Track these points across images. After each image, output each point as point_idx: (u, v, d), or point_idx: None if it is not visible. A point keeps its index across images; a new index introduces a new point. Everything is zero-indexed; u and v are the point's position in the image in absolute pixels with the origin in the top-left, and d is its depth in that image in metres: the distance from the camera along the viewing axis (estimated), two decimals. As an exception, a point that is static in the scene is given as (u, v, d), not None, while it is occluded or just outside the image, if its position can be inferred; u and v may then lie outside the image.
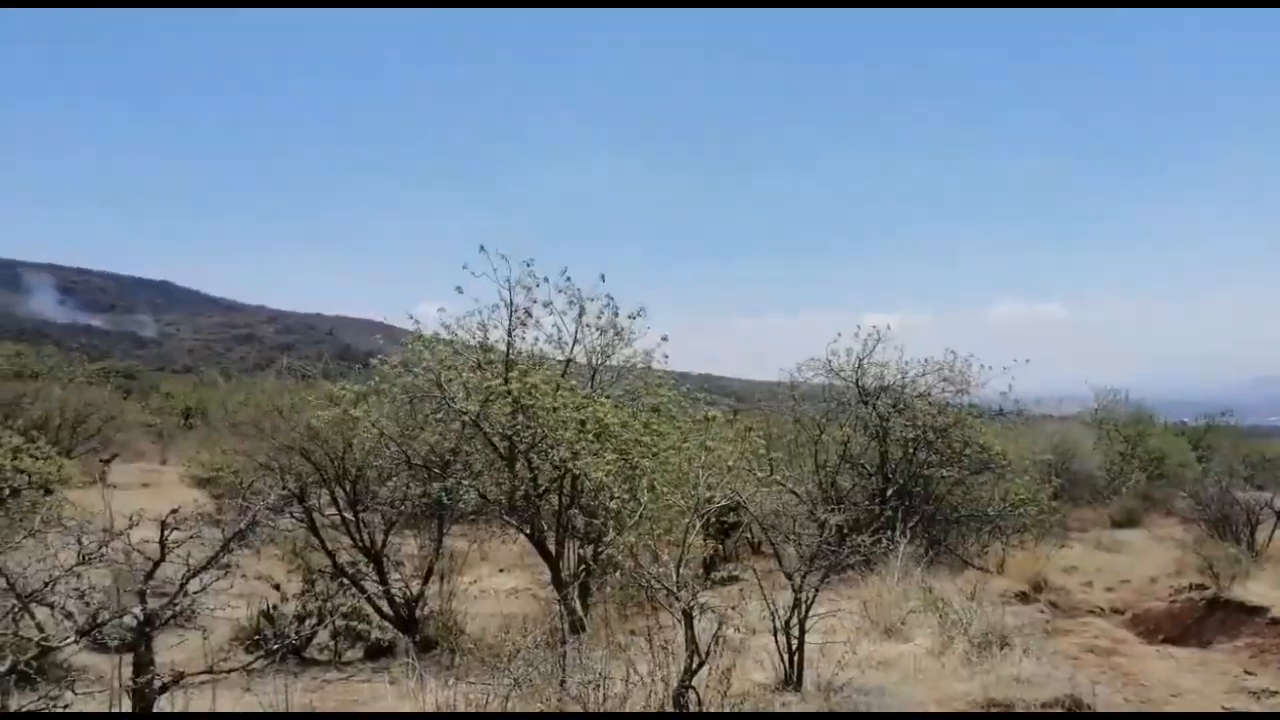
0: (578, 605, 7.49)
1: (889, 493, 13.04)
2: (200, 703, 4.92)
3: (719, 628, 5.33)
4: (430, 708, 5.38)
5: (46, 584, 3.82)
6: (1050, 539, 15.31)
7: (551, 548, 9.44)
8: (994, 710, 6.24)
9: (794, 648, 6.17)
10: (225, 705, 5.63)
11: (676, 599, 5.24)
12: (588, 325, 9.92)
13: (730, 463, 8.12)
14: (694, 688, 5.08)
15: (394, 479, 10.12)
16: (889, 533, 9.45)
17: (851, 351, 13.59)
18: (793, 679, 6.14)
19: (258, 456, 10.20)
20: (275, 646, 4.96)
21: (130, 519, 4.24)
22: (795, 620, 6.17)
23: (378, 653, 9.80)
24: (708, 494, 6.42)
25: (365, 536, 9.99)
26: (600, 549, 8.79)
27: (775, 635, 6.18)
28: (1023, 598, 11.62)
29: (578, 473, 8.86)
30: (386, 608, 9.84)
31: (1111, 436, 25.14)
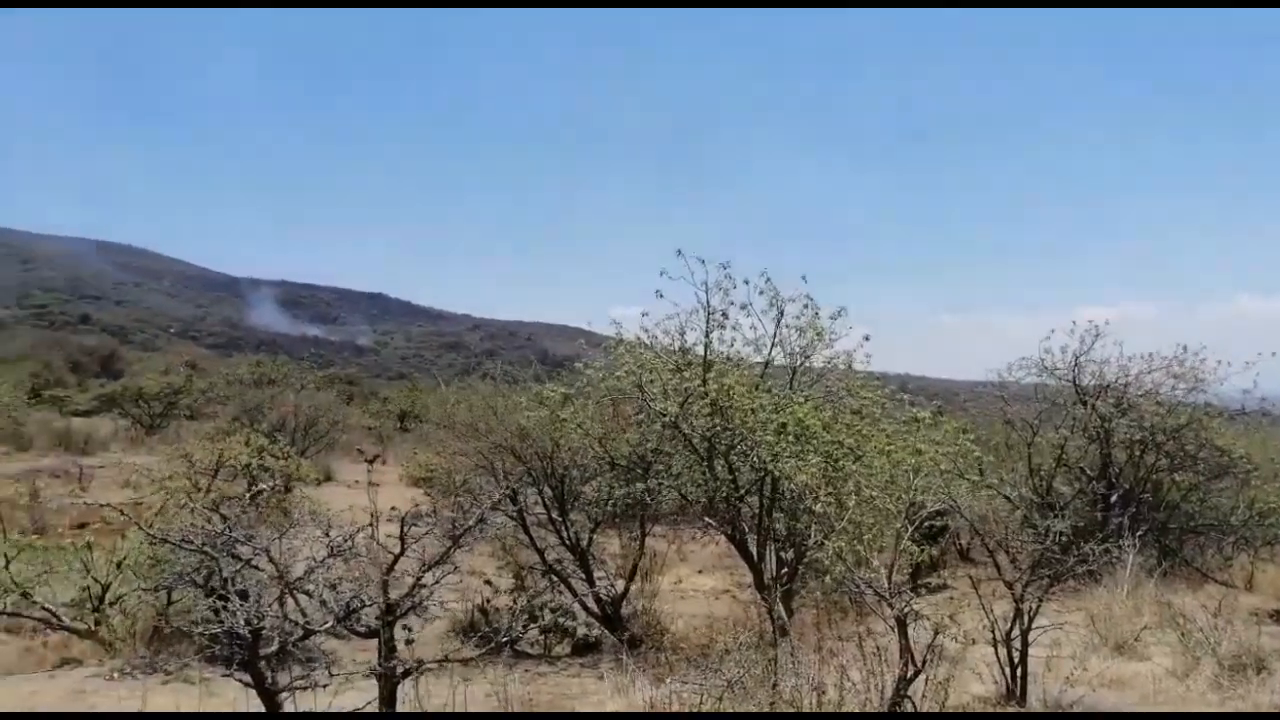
0: (781, 609, 7.41)
1: (1112, 499, 12.15)
2: (437, 690, 5.22)
3: (935, 636, 5.13)
4: (641, 705, 5.47)
5: (306, 573, 4.18)
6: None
7: (753, 550, 9.39)
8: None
9: (1016, 660, 5.85)
10: (442, 693, 5.94)
11: (890, 605, 5.09)
12: (787, 326, 9.79)
13: (942, 466, 7.79)
14: (910, 697, 4.91)
15: (598, 479, 10.42)
16: (1116, 541, 8.80)
17: (1067, 349, 12.76)
18: (1015, 693, 5.82)
19: (473, 456, 10.73)
20: (504, 639, 5.18)
21: (373, 516, 4.58)
22: (1017, 631, 5.85)
23: (585, 649, 10.10)
24: (919, 498, 6.19)
25: (571, 535, 10.31)
26: (804, 552, 8.67)
27: (995, 646, 5.88)
28: (1277, 617, 10.50)
29: (778, 475, 8.78)
30: (593, 605, 10.10)
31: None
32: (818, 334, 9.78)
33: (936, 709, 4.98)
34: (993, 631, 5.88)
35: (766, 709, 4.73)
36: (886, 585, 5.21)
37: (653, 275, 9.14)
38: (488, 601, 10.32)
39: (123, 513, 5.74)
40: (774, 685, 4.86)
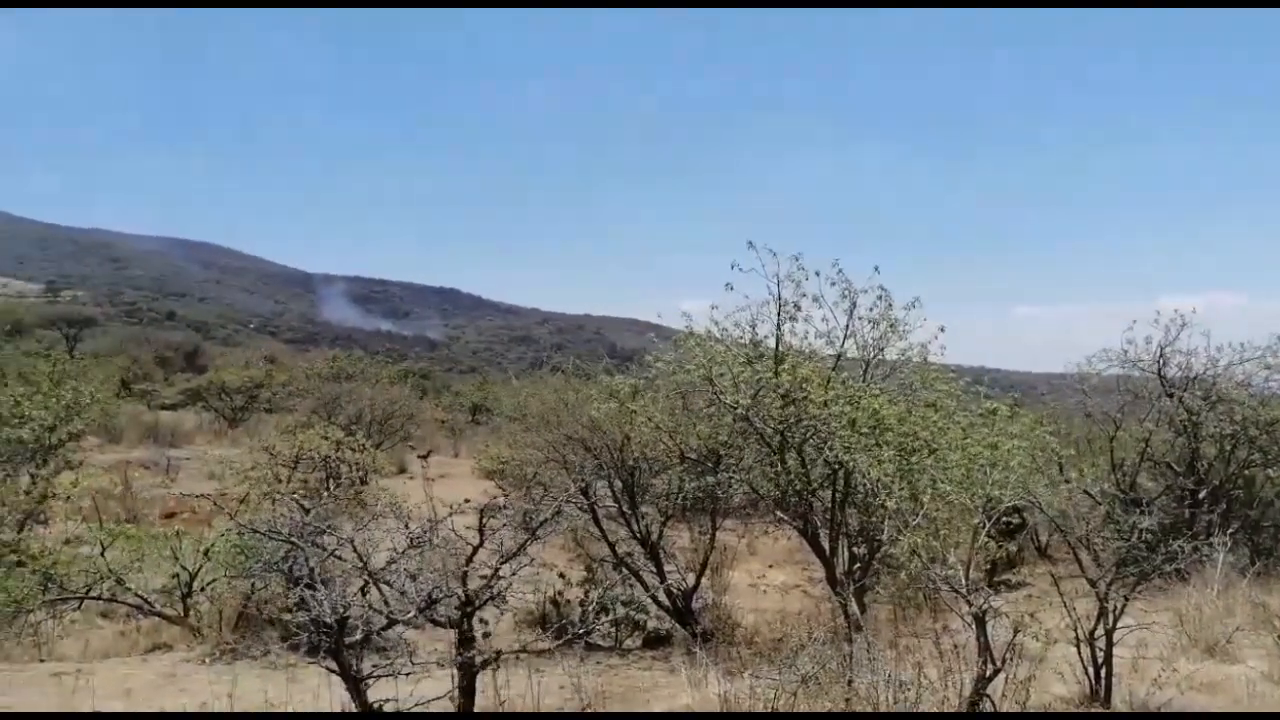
0: (854, 604, 7.33)
1: (1201, 495, 11.72)
2: (512, 680, 5.29)
3: (1014, 635, 5.02)
4: (715, 699, 5.47)
5: (387, 564, 4.28)
6: None
7: (825, 545, 9.31)
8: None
9: (1100, 661, 5.69)
10: (516, 684, 6.01)
11: (968, 602, 4.99)
12: (859, 318, 9.66)
13: (1020, 460, 7.61)
14: (989, 696, 4.82)
15: (668, 472, 10.43)
16: (1205, 539, 8.50)
17: (1151, 340, 12.34)
18: (1099, 694, 5.67)
19: (544, 449, 10.84)
20: (581, 631, 5.24)
21: (451, 508, 4.66)
22: (1101, 631, 5.69)
23: (656, 642, 10.13)
24: (997, 493, 6.06)
25: (642, 528, 10.35)
26: (877, 547, 8.56)
27: (1078, 646, 5.73)
28: (1378, 620, 10.04)
29: (851, 469, 8.68)
30: (664, 599, 10.12)
31: None
32: (891, 326, 9.64)
33: (1017, 709, 4.88)
34: (1075, 630, 5.73)
35: (842, 706, 4.69)
36: (964, 582, 5.11)
37: (722, 268, 9.11)
38: (559, 594, 10.42)
39: (216, 504, 5.93)
40: (849, 682, 4.81)
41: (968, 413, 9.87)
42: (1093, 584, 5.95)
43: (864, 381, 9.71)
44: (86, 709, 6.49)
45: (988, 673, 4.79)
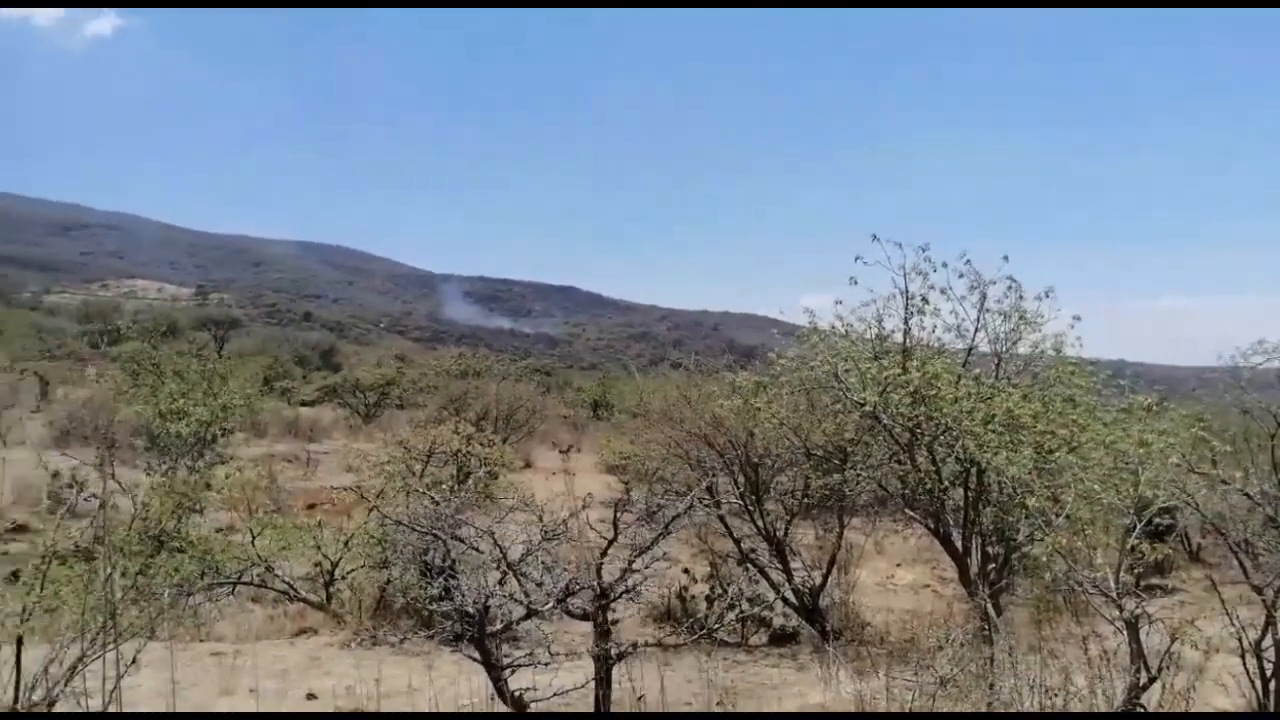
0: (989, 606, 7.09)
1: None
2: (648, 672, 5.33)
3: (1171, 642, 4.75)
4: (847, 698, 5.38)
5: (523, 555, 4.39)
6: None
7: (958, 544, 9.03)
8: None
9: (1269, 673, 5.33)
10: (649, 678, 6.05)
11: (1119, 607, 4.75)
12: (989, 311, 9.34)
13: (1174, 458, 7.19)
14: (1143, 705, 4.58)
15: (793, 469, 10.32)
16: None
17: (1316, 330, 11.46)
18: (1267, 708, 5.31)
19: (668, 445, 10.89)
20: (716, 626, 5.24)
21: (583, 500, 4.74)
22: (1269, 641, 5.33)
23: (782, 639, 10.05)
24: (1150, 493, 5.74)
25: (767, 524, 10.27)
26: (1014, 547, 8.26)
27: (1243, 657, 5.38)
28: None
29: (985, 466, 8.40)
30: (790, 596, 10.03)
31: None
32: (1023, 317, 9.29)
33: (1174, 720, 4.62)
34: (1239, 640, 5.38)
35: (983, 709, 4.54)
36: (1113, 585, 4.87)
37: (845, 262, 8.96)
38: (684, 589, 10.45)
39: (362, 495, 6.20)
40: (991, 685, 4.65)
41: (1109, 408, 9.42)
42: (1258, 590, 5.58)
43: (996, 376, 9.38)
44: (246, 686, 6.88)
45: (1142, 681, 4.55)
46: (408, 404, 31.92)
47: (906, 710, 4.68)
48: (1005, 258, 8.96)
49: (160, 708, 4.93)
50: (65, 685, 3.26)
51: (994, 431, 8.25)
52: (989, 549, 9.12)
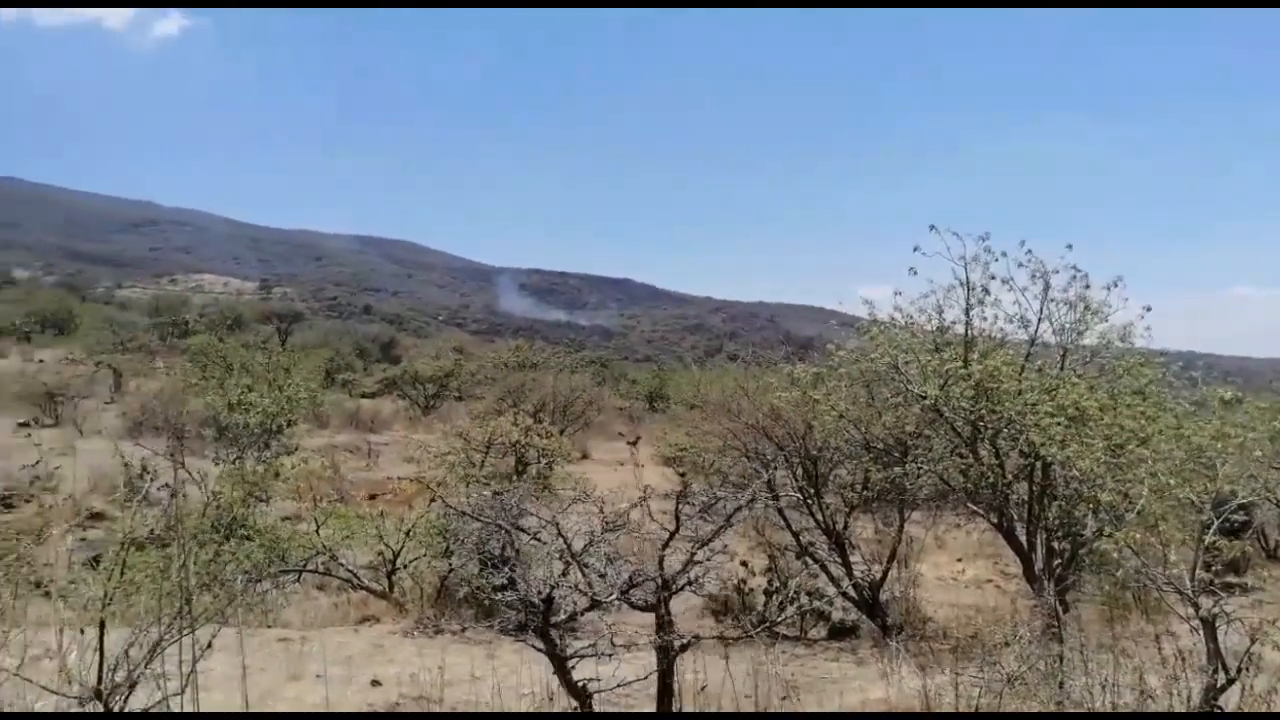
0: (1055, 602, 6.94)
1: None
2: (707, 664, 5.33)
3: (1251, 643, 4.59)
4: (910, 693, 5.31)
5: (585, 546, 4.41)
6: None
7: (1022, 539, 8.87)
8: None
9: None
10: (710, 669, 6.04)
11: (1194, 605, 4.61)
12: (1053, 301, 9.14)
13: (1258, 453, 6.96)
14: (1220, 707, 4.45)
15: (852, 461, 10.21)
16: None
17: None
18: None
19: (726, 437, 10.86)
20: (779, 618, 5.22)
21: (645, 490, 4.74)
22: (1353, 643, 5.12)
23: (841, 633, 9.97)
24: (1229, 488, 5.56)
25: (826, 518, 10.19)
26: (1083, 543, 8.07)
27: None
28: None
29: (1050, 460, 8.23)
30: (850, 590, 9.94)
31: None
32: (1089, 307, 9.07)
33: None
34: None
35: (1052, 709, 4.45)
36: (1189, 583, 4.73)
37: (904, 252, 8.83)
38: (743, 581, 10.41)
39: (427, 486, 6.27)
40: (1060, 684, 4.55)
41: (1180, 400, 9.15)
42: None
43: (1061, 368, 9.19)
44: (313, 672, 7.03)
45: (1220, 683, 4.41)
46: (466, 396, 32.30)
47: (973, 709, 4.61)
48: (1069, 246, 8.77)
49: (232, 691, 5.06)
50: (145, 667, 3.36)
51: (1060, 424, 8.08)
52: (1054, 544, 8.94)
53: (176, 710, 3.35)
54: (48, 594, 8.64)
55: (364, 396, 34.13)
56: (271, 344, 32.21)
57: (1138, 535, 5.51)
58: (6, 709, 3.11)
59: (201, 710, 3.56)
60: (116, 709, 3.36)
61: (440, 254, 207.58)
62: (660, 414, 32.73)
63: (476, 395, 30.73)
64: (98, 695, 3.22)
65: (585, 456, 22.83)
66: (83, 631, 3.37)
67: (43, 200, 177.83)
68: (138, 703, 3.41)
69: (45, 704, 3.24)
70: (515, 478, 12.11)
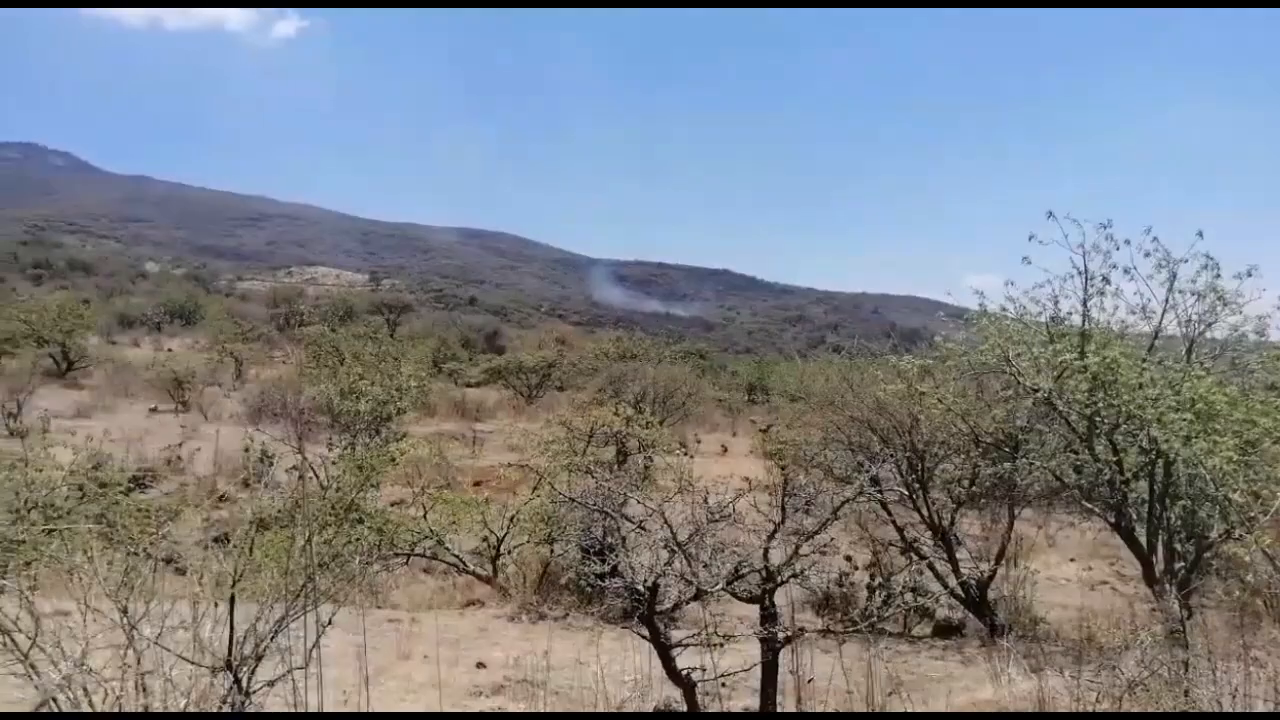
0: (1177, 606, 6.63)
1: None
2: (808, 659, 5.29)
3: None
4: (1024, 695, 5.16)
5: (690, 536, 4.43)
6: None
7: (1141, 539, 8.51)
8: None
9: None
10: (816, 664, 5.99)
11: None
12: (1180, 290, 8.72)
13: None
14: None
15: (960, 456, 9.97)
16: None
17: None
18: None
19: (829, 429, 10.74)
20: (888, 613, 5.15)
21: (749, 482, 4.74)
22: None
23: (946, 631, 9.75)
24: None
25: (933, 513, 9.97)
26: (1209, 545, 7.70)
27: None
28: None
29: (1173, 457, 7.87)
30: (956, 587, 9.71)
31: None
32: (1219, 298, 8.62)
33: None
34: None
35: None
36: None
37: (1015, 243, 8.56)
38: (845, 575, 10.28)
39: (537, 473, 6.39)
40: (1186, 692, 4.35)
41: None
42: None
43: (1187, 361, 8.76)
44: (421, 652, 7.26)
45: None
46: (568, 385, 32.73)
47: (1090, 711, 4.45)
48: (1199, 234, 8.32)
49: (349, 667, 5.27)
50: (271, 641, 3.53)
51: (1185, 420, 7.71)
52: (1177, 546, 8.56)
53: (301, 684, 3.51)
54: (179, 570, 9.16)
55: (469, 386, 34.91)
56: (381, 334, 33.24)
57: (1270, 539, 5.22)
58: (148, 674, 3.32)
59: (324, 680, 3.73)
60: (244, 680, 3.54)
61: (542, 246, 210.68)
62: (760, 406, 32.55)
63: (578, 385, 31.12)
64: (228, 665, 3.40)
65: (684, 447, 22.88)
66: (217, 605, 3.56)
67: (170, 197, 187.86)
68: (264, 675, 3.59)
69: (180, 672, 3.43)
70: (616, 467, 12.22)
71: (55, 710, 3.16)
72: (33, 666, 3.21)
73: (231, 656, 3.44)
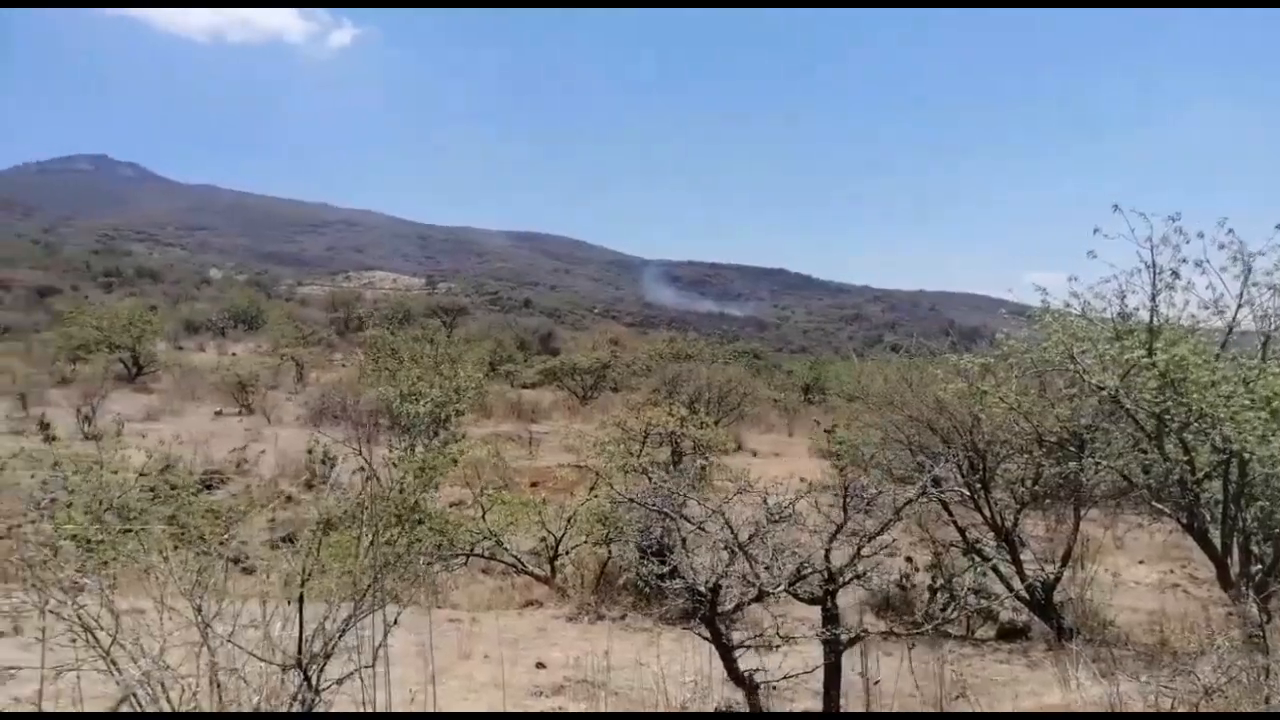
0: (1255, 610, 6.42)
1: None
2: (871, 661, 5.23)
3: None
4: (1095, 700, 5.04)
5: (750, 537, 4.41)
6: None
7: (1215, 541, 8.26)
8: None
9: None
10: (879, 666, 5.92)
11: None
12: (1255, 284, 8.45)
13: None
14: None
15: (1022, 456, 9.76)
16: None
17: None
18: None
19: (888, 429, 10.60)
20: (951, 616, 5.07)
21: (810, 483, 4.71)
22: None
23: (1011, 634, 9.57)
24: None
25: (995, 514, 9.78)
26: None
27: None
28: None
29: (1248, 456, 7.62)
30: (1020, 589, 9.52)
31: None
32: (1298, 292, 8.33)
33: None
34: None
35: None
36: None
37: (1079, 238, 8.36)
38: (906, 577, 10.14)
39: (596, 473, 6.42)
40: (1266, 699, 4.21)
41: None
42: None
43: (1263, 358, 8.48)
44: (481, 652, 7.33)
45: None
46: (622, 386, 32.80)
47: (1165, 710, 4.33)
48: (1278, 226, 8.04)
49: (412, 666, 5.35)
50: (339, 639, 3.60)
51: (1261, 417, 7.47)
52: (1254, 548, 8.29)
53: (368, 682, 3.58)
54: (246, 569, 9.37)
55: (525, 387, 35.17)
56: (438, 337, 33.63)
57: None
58: (220, 671, 3.40)
59: (390, 679, 3.78)
60: (314, 678, 3.61)
61: (595, 248, 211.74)
62: (816, 406, 32.26)
63: (632, 386, 31.17)
64: (298, 664, 3.47)
65: (739, 447, 22.77)
66: (289, 602, 3.64)
67: (235, 205, 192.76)
68: (333, 672, 3.66)
69: (252, 669, 3.51)
70: (671, 467, 12.21)
71: (136, 710, 3.26)
72: (114, 662, 3.31)
73: (301, 655, 3.51)
